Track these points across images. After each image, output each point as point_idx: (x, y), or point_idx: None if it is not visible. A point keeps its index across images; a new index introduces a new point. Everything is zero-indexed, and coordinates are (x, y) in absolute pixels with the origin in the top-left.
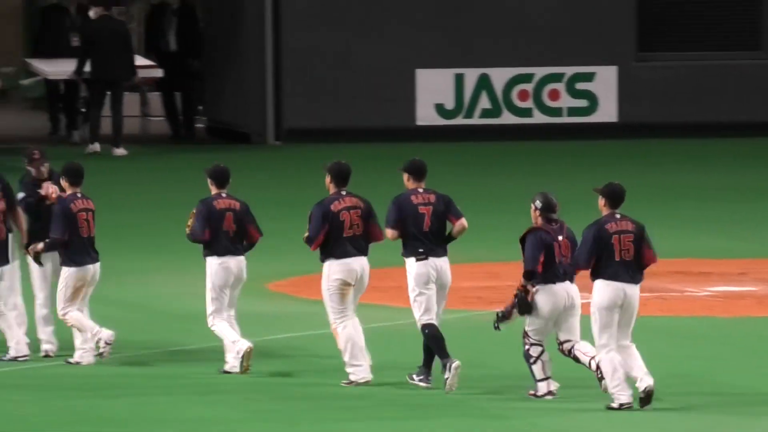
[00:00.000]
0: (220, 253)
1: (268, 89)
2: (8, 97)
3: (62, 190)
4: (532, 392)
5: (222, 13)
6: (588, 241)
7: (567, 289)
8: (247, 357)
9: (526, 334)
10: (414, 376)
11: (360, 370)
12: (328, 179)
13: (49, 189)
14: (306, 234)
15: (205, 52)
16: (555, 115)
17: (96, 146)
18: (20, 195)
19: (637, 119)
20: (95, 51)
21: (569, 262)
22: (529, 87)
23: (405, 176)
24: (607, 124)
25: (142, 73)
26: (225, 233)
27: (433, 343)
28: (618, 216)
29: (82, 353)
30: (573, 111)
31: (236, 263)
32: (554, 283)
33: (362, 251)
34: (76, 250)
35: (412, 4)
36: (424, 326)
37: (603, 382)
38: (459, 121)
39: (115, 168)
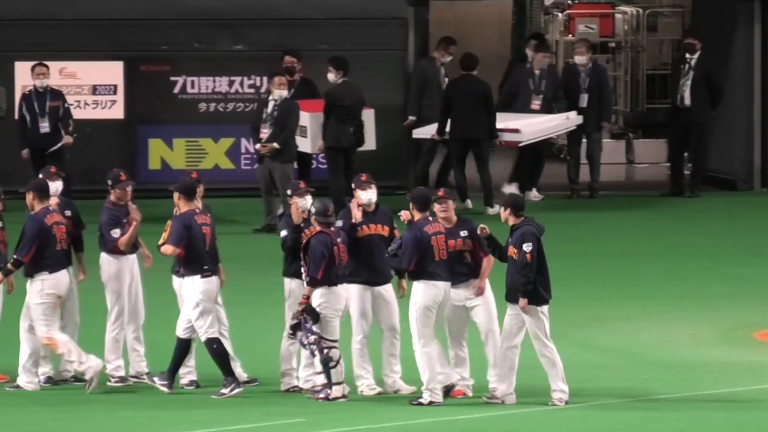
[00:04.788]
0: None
1: (755, 135)
2: None
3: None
4: (322, 396)
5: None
6: (409, 243)
7: (347, 290)
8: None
9: (320, 339)
10: (224, 390)
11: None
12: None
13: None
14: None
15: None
16: None
17: (467, 203)
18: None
19: None
20: (454, 110)
21: (345, 266)
22: None
23: (176, 196)
24: None
25: (505, 137)
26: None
27: (219, 357)
28: (431, 219)
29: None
30: None
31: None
32: (336, 285)
33: None
34: None
35: None
36: (212, 340)
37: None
38: None
39: (602, 217)
